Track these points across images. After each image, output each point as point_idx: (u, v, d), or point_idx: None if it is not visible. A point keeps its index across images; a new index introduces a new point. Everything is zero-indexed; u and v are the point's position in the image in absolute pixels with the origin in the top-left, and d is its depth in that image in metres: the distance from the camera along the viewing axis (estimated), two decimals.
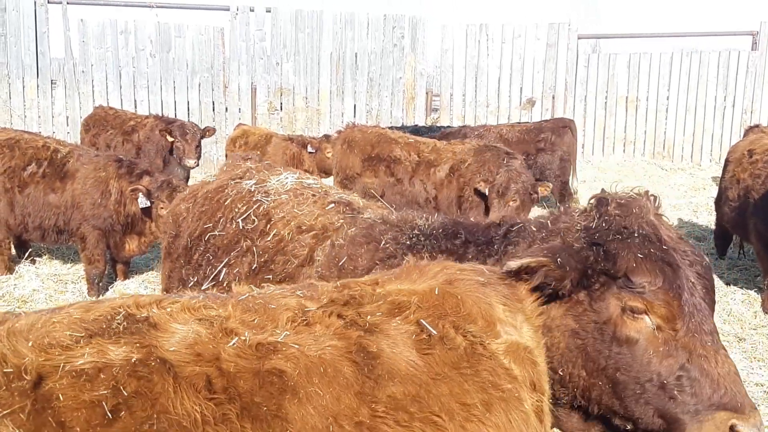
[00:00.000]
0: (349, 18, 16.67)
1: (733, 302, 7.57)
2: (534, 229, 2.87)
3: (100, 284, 7.82)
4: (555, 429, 2.78)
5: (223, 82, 16.39)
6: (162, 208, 7.44)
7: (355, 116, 16.52)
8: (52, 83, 15.76)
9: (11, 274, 8.08)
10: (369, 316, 2.11)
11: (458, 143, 9.02)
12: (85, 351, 1.80)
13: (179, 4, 17.66)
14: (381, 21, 16.79)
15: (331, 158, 10.55)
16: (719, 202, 8.76)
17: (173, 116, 15.27)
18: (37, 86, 15.67)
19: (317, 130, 16.27)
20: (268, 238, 3.51)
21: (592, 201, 2.75)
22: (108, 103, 15.78)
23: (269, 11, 16.45)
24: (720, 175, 9.09)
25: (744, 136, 10.56)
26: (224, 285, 3.52)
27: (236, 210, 3.80)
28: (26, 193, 7.74)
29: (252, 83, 16.46)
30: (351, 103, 16.83)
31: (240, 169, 4.31)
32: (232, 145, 12.96)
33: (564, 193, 11.65)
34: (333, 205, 3.58)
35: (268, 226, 3.57)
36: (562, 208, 2.92)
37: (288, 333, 1.99)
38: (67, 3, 15.77)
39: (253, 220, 3.67)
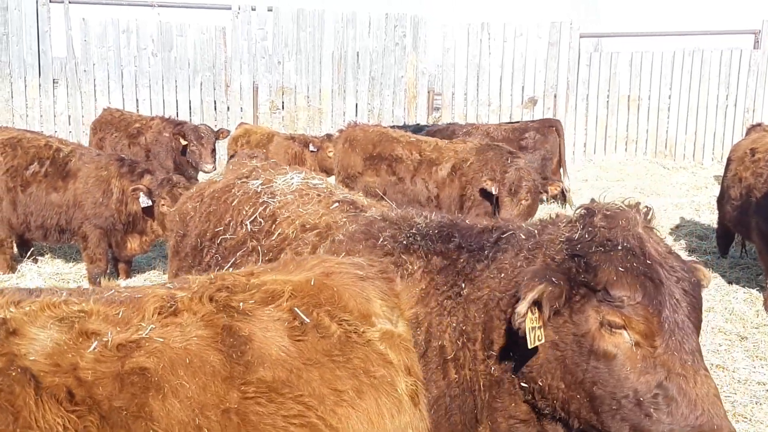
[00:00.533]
0: (351, 17, 16.66)
1: (735, 301, 7.57)
2: (523, 237, 2.85)
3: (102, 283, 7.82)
4: None
5: (224, 81, 16.40)
6: (163, 205, 7.45)
7: (356, 115, 16.52)
8: (54, 82, 15.77)
9: (13, 273, 8.10)
10: (241, 303, 2.13)
11: (460, 142, 9.02)
12: None
13: (181, 4, 17.67)
14: (383, 20, 16.78)
15: (333, 157, 10.55)
16: (721, 200, 8.75)
17: (175, 115, 15.29)
18: (39, 85, 15.68)
19: (319, 129, 16.28)
20: (273, 238, 3.53)
21: (579, 211, 2.72)
22: (110, 102, 15.80)
23: (271, 10, 16.45)
24: (722, 174, 9.09)
25: (746, 134, 10.54)
26: None
27: (244, 212, 3.82)
28: (28, 193, 7.75)
29: (254, 82, 16.46)
30: (353, 102, 16.83)
31: (246, 168, 4.32)
32: (234, 144, 12.98)
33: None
34: (337, 204, 3.59)
35: (273, 226, 3.59)
36: (553, 217, 2.90)
37: (154, 326, 1.98)
38: (69, 2, 15.78)
39: (260, 222, 3.68)
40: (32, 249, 8.65)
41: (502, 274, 2.78)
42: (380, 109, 16.71)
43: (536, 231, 2.82)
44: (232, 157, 9.53)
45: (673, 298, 2.45)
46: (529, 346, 2.49)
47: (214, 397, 1.93)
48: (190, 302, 2.10)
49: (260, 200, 3.81)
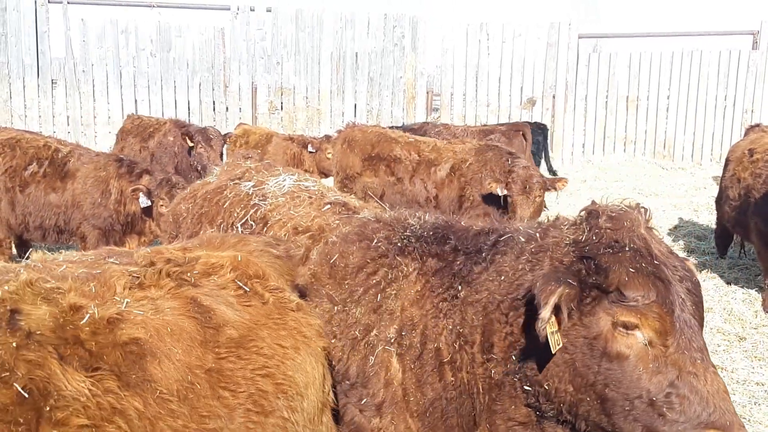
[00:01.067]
0: (350, 17, 16.67)
1: (734, 301, 7.57)
2: (523, 240, 2.83)
3: None
4: None
5: (223, 82, 16.40)
6: (162, 206, 7.45)
7: (355, 116, 16.53)
8: (52, 83, 15.77)
9: None
10: (191, 275, 2.41)
11: (458, 142, 9.02)
12: None
13: (180, 4, 17.67)
14: (381, 20, 16.79)
15: (331, 158, 10.54)
16: (720, 201, 8.76)
17: (174, 116, 15.29)
18: (38, 86, 15.68)
19: (318, 129, 16.28)
20: None
21: (583, 213, 2.71)
22: (108, 102, 15.83)
23: (270, 11, 16.46)
24: (720, 175, 9.09)
25: (745, 135, 10.55)
26: None
27: (235, 214, 3.81)
28: (27, 193, 7.74)
29: (252, 83, 16.47)
30: (351, 103, 16.83)
31: (240, 169, 4.31)
32: (233, 144, 12.96)
33: None
34: (329, 206, 3.58)
35: (265, 229, 3.59)
36: (551, 220, 2.89)
37: (129, 300, 2.19)
38: (68, 2, 15.78)
39: (251, 225, 3.68)
40: (31, 249, 8.63)
41: (502, 277, 2.77)
42: (379, 110, 16.72)
43: (538, 234, 2.80)
44: None
45: (679, 297, 2.47)
46: (553, 351, 2.49)
47: (197, 358, 2.20)
48: (152, 277, 2.33)
49: (251, 203, 3.81)
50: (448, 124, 13.22)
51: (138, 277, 2.30)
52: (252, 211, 3.74)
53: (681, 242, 9.99)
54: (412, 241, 3.06)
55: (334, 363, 2.95)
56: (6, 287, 2.06)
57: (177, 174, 9.68)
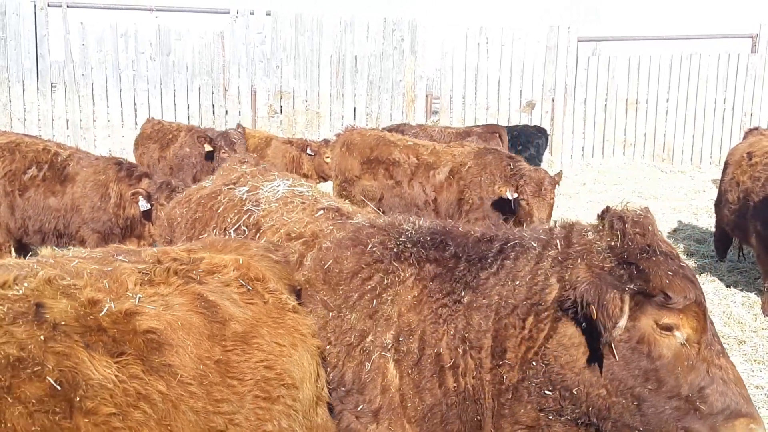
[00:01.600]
0: (349, 21, 16.68)
1: (734, 305, 7.57)
2: (536, 245, 2.83)
3: None
4: None
5: (223, 85, 16.40)
6: (161, 210, 7.44)
7: (355, 119, 16.53)
8: (52, 86, 15.77)
9: None
10: (196, 273, 2.52)
11: (457, 146, 9.01)
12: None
13: (179, 8, 17.68)
14: (381, 24, 16.81)
15: (330, 162, 10.54)
16: (719, 204, 8.75)
17: (173, 119, 15.31)
18: (37, 89, 15.68)
19: (317, 133, 16.29)
20: None
21: (607, 219, 2.75)
22: (107, 106, 15.83)
23: (269, 14, 16.48)
24: (720, 178, 9.09)
25: (744, 138, 10.57)
26: None
27: (228, 220, 3.81)
28: (26, 197, 7.74)
29: (252, 86, 16.48)
30: (351, 106, 16.84)
31: (235, 174, 4.30)
32: None
33: None
34: (322, 211, 3.57)
35: (258, 234, 3.58)
36: (564, 225, 2.90)
37: (141, 295, 2.29)
38: (67, 6, 15.79)
39: (244, 231, 3.68)
40: (30, 253, 8.63)
41: (517, 282, 2.77)
42: (378, 113, 16.72)
43: (558, 240, 2.80)
44: None
45: None
46: (617, 358, 2.54)
47: (206, 350, 2.31)
48: (161, 275, 2.43)
49: (245, 208, 3.81)
50: (424, 125, 13.31)
51: (147, 275, 2.41)
52: (245, 216, 3.74)
53: (680, 245, 9.99)
54: (408, 246, 3.05)
55: (329, 370, 2.95)
56: (25, 284, 2.13)
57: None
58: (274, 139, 13.06)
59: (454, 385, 2.82)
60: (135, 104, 16.01)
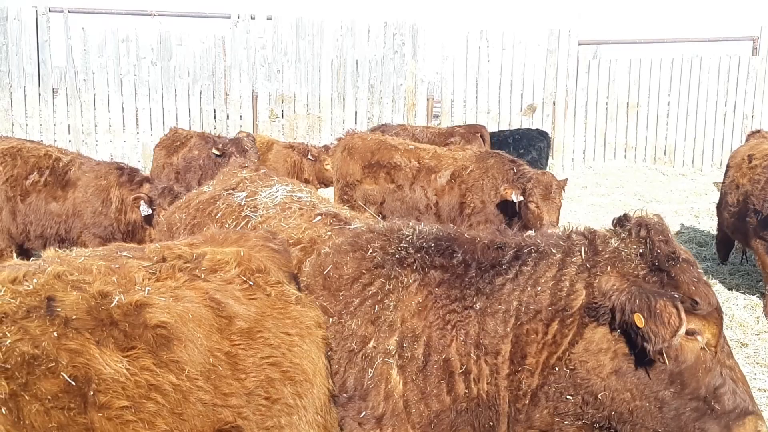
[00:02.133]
0: (350, 25, 16.71)
1: (736, 307, 7.56)
2: (556, 252, 2.84)
3: None
4: None
5: (224, 90, 16.43)
6: (163, 215, 7.45)
7: (356, 123, 16.55)
8: (53, 92, 15.81)
9: None
10: (200, 271, 2.53)
11: (459, 149, 9.01)
12: (6, 332, 1.97)
13: (180, 13, 17.72)
14: (382, 28, 16.83)
15: (331, 168, 10.54)
16: (720, 207, 8.75)
17: (174, 124, 15.33)
18: (39, 95, 15.71)
19: (318, 137, 16.31)
20: None
21: (630, 227, 2.78)
22: (109, 111, 15.86)
23: (270, 19, 16.51)
24: (721, 181, 9.09)
25: (746, 141, 10.57)
26: None
27: (226, 225, 3.80)
28: (28, 202, 7.75)
29: (253, 91, 16.50)
30: (352, 110, 16.86)
31: (234, 179, 4.30)
32: None
33: None
34: (320, 217, 3.56)
35: None
36: (583, 233, 2.91)
37: (150, 288, 2.30)
38: (69, 12, 15.83)
39: None
40: (32, 258, 8.64)
41: (539, 288, 2.77)
42: (379, 117, 16.73)
43: (583, 248, 2.81)
44: None
45: None
46: (668, 364, 2.58)
47: (215, 343, 2.33)
48: (167, 271, 2.45)
49: (243, 214, 3.80)
50: (405, 125, 13.35)
51: (154, 272, 2.43)
52: (243, 222, 3.73)
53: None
54: (411, 252, 3.03)
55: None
56: (35, 279, 2.15)
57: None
58: (276, 144, 13.06)
59: (466, 391, 2.81)
60: (136, 109, 16.04)
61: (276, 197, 3.85)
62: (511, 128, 16.01)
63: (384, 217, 8.00)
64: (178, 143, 10.62)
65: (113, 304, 2.16)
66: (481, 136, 12.46)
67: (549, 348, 2.71)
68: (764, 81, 17.25)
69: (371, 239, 3.15)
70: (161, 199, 7.56)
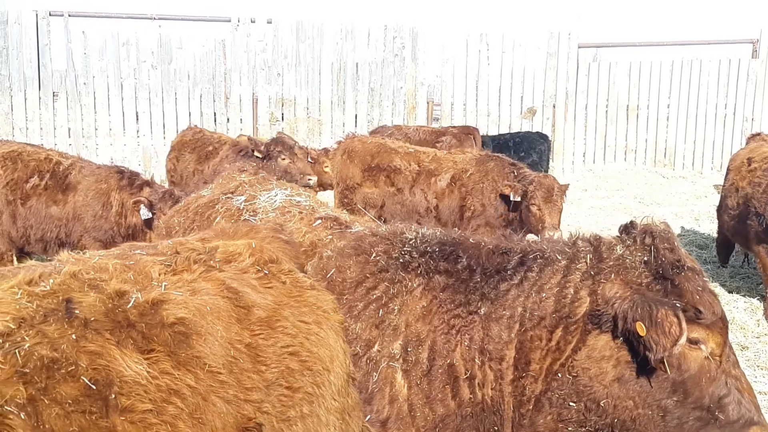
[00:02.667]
0: (350, 29, 16.73)
1: (736, 310, 7.55)
2: (561, 258, 2.84)
3: None
4: None
5: (224, 93, 16.44)
6: (162, 219, 7.45)
7: (356, 126, 16.56)
8: (54, 95, 15.81)
9: None
10: (215, 262, 2.52)
11: (459, 152, 9.02)
12: (24, 336, 1.94)
13: (181, 16, 17.74)
14: (382, 31, 16.85)
15: (330, 172, 10.53)
16: (720, 210, 8.75)
17: (174, 127, 15.35)
18: (39, 98, 15.72)
19: (319, 140, 16.31)
20: None
21: (635, 234, 2.77)
22: (109, 115, 15.86)
23: (270, 22, 16.52)
24: (721, 183, 9.09)
25: (746, 143, 10.57)
26: None
27: None
28: (28, 206, 7.75)
29: (253, 94, 16.51)
30: (352, 113, 16.87)
31: (233, 182, 4.30)
32: None
33: None
34: (320, 221, 3.56)
35: None
36: (588, 239, 2.90)
37: (167, 284, 2.27)
38: (69, 15, 15.84)
39: None
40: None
41: (543, 294, 2.77)
42: (380, 120, 16.73)
43: (589, 255, 2.80)
44: None
45: None
46: (669, 372, 2.57)
47: (235, 335, 2.30)
48: (182, 264, 2.43)
49: (242, 218, 3.79)
50: (401, 126, 13.51)
51: (169, 265, 2.41)
52: None
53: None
54: (415, 256, 3.02)
55: None
56: (51, 280, 2.12)
57: None
58: None
59: (470, 396, 2.80)
60: (137, 113, 16.04)
61: (275, 201, 3.85)
62: (512, 131, 16.01)
63: (384, 221, 8.00)
64: (211, 148, 10.34)
65: (130, 305, 2.14)
66: (473, 137, 12.53)
67: (553, 354, 2.71)
68: (764, 84, 17.26)
69: (375, 243, 3.14)
70: (162, 203, 7.56)
